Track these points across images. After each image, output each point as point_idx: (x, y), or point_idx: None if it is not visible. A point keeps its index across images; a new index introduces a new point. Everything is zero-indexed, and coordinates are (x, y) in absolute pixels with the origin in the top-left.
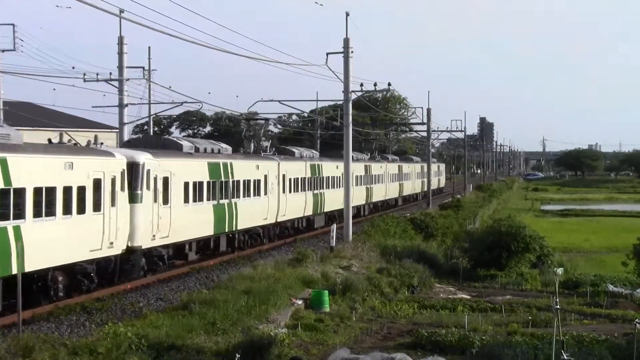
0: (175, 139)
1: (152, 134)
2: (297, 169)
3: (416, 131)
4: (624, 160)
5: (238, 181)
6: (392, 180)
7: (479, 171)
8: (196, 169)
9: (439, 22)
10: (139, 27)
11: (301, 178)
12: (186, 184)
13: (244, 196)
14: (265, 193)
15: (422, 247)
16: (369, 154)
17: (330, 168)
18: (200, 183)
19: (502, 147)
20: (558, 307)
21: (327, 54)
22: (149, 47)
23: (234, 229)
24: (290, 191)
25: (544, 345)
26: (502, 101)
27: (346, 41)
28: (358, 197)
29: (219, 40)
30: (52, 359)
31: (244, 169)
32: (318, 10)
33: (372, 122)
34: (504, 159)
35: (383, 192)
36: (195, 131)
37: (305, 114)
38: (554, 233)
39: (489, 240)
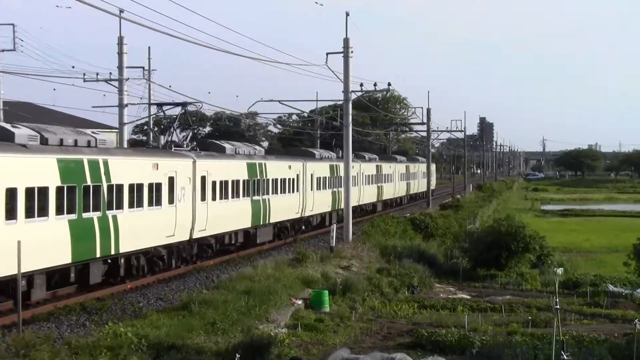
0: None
1: (152, 134)
2: (223, 169)
3: (416, 131)
4: (624, 160)
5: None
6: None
7: (479, 171)
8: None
9: (439, 22)
10: (139, 27)
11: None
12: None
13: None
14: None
15: (422, 247)
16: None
17: (279, 168)
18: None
19: (502, 147)
20: (558, 307)
21: (327, 54)
22: (149, 47)
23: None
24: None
25: (544, 345)
26: (502, 101)
27: (346, 41)
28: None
29: (219, 40)
30: (52, 359)
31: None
32: (318, 10)
33: (372, 122)
34: (503, 159)
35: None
36: (195, 131)
37: (305, 114)
38: (554, 233)
39: (489, 240)
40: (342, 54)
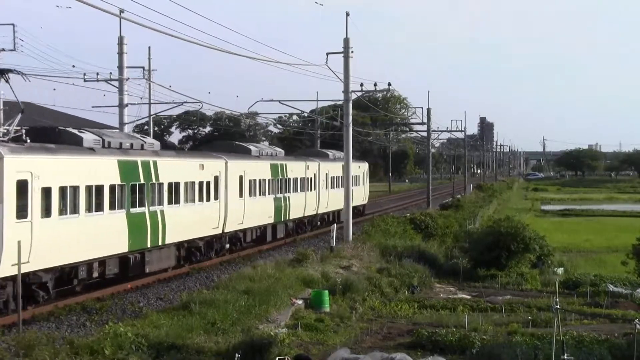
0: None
1: (152, 134)
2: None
3: (416, 131)
4: (624, 160)
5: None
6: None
7: (479, 171)
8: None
9: (439, 22)
10: (139, 27)
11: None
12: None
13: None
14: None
15: (422, 247)
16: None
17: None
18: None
19: (502, 147)
20: (558, 307)
21: (327, 53)
22: (149, 47)
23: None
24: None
25: (544, 345)
26: (502, 101)
27: (346, 41)
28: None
29: (219, 40)
30: (52, 359)
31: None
32: (318, 10)
33: (372, 122)
34: (504, 159)
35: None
36: (195, 131)
37: (306, 114)
38: (554, 233)
39: (489, 240)
40: (342, 54)
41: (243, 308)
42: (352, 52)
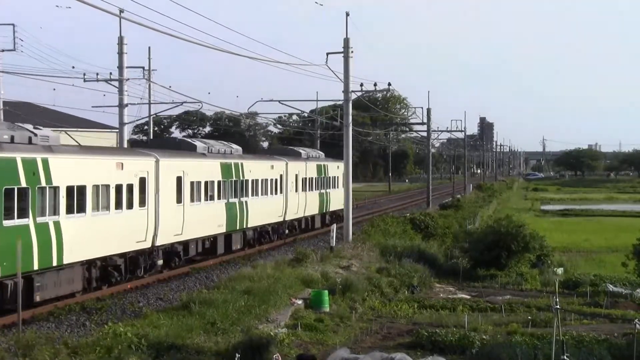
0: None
1: (152, 134)
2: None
3: (416, 131)
4: (623, 160)
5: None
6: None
7: (479, 171)
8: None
9: (439, 22)
10: (139, 27)
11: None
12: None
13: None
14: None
15: (422, 247)
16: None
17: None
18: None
19: (502, 147)
20: (558, 307)
21: (327, 53)
22: (149, 47)
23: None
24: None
25: (544, 345)
26: (502, 101)
27: (346, 41)
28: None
29: (219, 40)
30: (52, 359)
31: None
32: (318, 10)
33: (372, 122)
34: (503, 158)
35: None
36: (195, 131)
37: (306, 114)
38: (554, 233)
39: (489, 240)
40: (342, 54)
41: (243, 308)
42: (352, 52)
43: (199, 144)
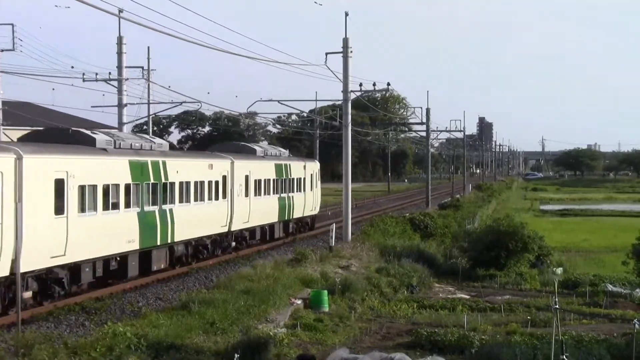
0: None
1: (152, 134)
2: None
3: (415, 131)
4: (623, 160)
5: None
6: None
7: (478, 171)
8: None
9: (439, 22)
10: (139, 26)
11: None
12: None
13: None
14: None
15: (421, 247)
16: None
17: None
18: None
19: (501, 147)
20: (557, 306)
21: (327, 53)
22: (149, 47)
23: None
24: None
25: (543, 345)
26: (502, 101)
27: (345, 41)
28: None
29: (219, 40)
30: (51, 359)
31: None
32: (318, 10)
33: (371, 122)
34: (503, 158)
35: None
36: (194, 131)
37: (305, 114)
38: (553, 233)
39: (488, 240)
40: (341, 54)
41: (242, 308)
42: (352, 52)
43: (97, 137)
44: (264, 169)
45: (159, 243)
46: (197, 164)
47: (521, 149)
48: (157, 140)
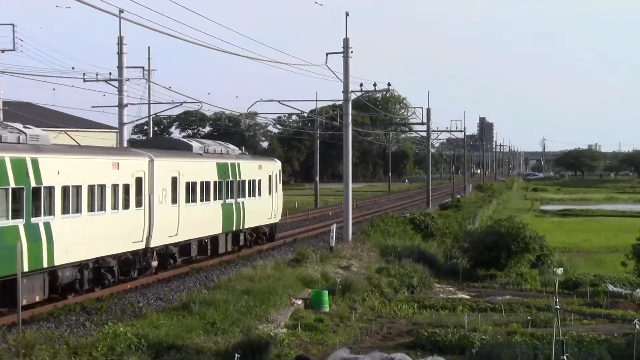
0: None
1: (151, 134)
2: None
3: (416, 131)
4: (623, 160)
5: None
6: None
7: (478, 171)
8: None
9: (439, 22)
10: (139, 27)
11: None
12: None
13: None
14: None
15: (421, 247)
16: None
17: None
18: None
19: (501, 147)
20: (558, 307)
21: (327, 54)
22: (149, 47)
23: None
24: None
25: (544, 345)
26: (502, 101)
27: (346, 41)
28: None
29: (219, 40)
30: (52, 359)
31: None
32: (318, 10)
33: (371, 122)
34: (503, 159)
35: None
36: (195, 131)
37: (305, 114)
38: (554, 233)
39: (489, 240)
40: (342, 54)
41: (243, 308)
42: (352, 52)
43: None
44: (201, 170)
45: (34, 267)
46: (93, 162)
47: (522, 149)
48: (33, 131)
